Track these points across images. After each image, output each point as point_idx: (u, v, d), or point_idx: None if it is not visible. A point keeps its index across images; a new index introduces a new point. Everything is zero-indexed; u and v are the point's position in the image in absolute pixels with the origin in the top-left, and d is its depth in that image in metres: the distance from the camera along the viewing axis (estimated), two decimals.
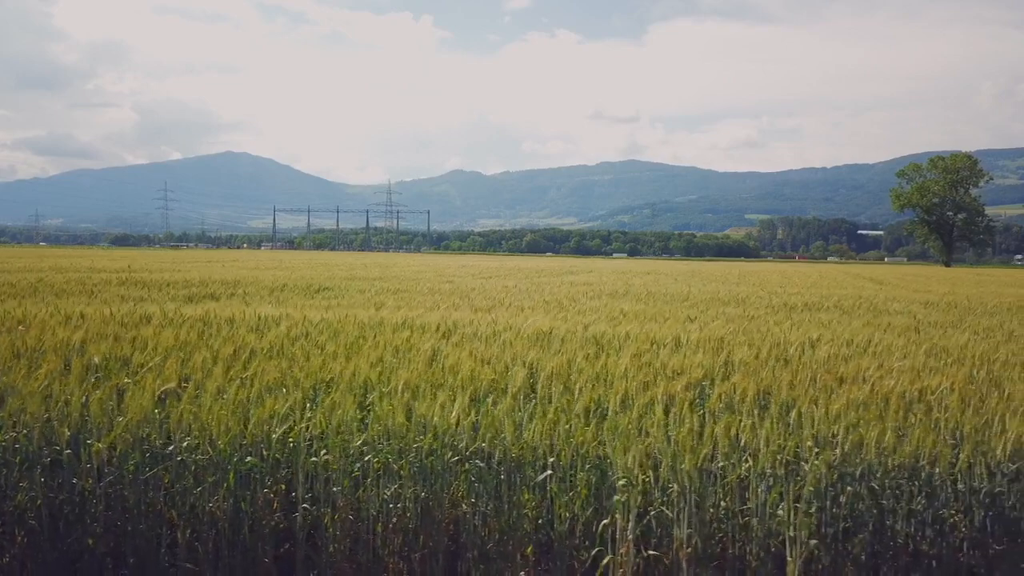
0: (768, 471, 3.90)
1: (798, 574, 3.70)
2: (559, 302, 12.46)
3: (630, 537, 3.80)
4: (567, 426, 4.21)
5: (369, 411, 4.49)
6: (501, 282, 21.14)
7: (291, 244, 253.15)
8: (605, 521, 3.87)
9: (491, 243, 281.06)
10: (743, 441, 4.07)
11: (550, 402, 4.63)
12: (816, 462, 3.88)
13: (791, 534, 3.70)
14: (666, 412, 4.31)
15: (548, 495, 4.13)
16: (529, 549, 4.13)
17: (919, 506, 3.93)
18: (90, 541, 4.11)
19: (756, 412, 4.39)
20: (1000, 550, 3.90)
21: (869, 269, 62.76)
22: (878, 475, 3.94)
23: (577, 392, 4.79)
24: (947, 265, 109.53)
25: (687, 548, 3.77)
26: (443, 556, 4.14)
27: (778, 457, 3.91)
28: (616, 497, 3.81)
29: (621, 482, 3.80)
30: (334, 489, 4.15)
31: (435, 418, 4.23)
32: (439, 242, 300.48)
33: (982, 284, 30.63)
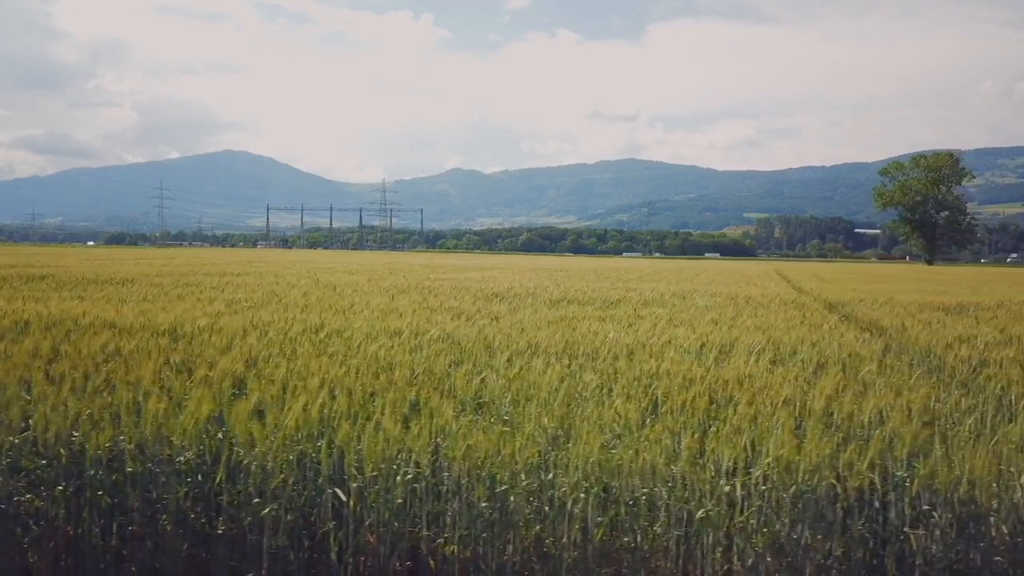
0: None
1: None
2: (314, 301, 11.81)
3: None
4: None
5: None
6: (359, 279, 20.53)
7: (286, 243, 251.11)
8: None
9: (487, 241, 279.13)
10: None
11: None
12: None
13: None
14: None
15: None
16: None
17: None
18: None
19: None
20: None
21: (800, 267, 61.71)
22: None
23: None
24: (930, 263, 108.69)
25: None
26: None
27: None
28: None
29: None
30: None
31: None
32: (435, 241, 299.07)
33: (885, 281, 29.35)
